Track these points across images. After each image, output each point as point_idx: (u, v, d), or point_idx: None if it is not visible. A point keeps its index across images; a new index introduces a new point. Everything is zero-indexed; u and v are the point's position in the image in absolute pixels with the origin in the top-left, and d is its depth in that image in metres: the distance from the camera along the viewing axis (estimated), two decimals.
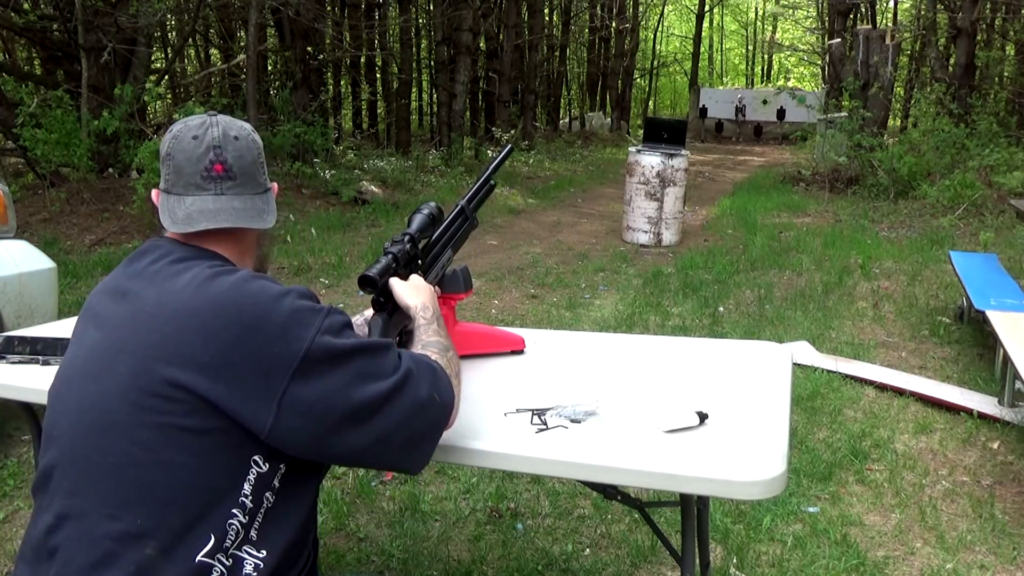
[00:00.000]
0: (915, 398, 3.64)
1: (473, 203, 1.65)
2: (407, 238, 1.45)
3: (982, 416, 3.38)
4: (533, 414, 1.39)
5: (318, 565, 1.29)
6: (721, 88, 33.39)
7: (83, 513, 1.06)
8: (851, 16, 18.27)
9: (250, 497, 1.08)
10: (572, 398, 1.44)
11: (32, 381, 1.59)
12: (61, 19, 8.91)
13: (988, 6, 14.84)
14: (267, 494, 1.10)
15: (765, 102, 24.74)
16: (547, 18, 21.77)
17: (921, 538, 2.53)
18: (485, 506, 2.69)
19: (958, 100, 11.67)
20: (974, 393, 3.65)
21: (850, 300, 5.47)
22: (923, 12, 17.28)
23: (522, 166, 13.98)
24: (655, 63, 32.07)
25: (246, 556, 1.08)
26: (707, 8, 31.40)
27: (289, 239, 7.21)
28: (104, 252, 6.48)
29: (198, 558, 1.04)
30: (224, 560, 1.06)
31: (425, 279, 1.46)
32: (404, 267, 1.43)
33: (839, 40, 14.36)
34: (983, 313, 3.79)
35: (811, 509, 2.67)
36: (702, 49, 34.96)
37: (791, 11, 32.81)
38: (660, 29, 35.26)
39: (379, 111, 17.14)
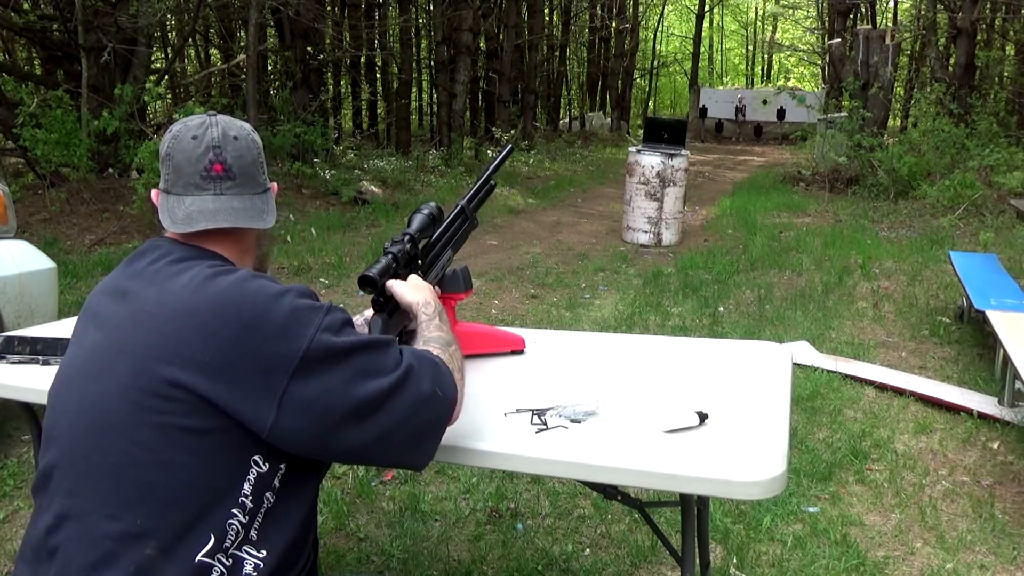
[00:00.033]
0: (915, 398, 3.64)
1: (473, 203, 1.65)
2: (407, 238, 1.45)
3: (982, 416, 3.38)
4: (533, 414, 1.39)
5: (318, 565, 1.29)
6: (721, 88, 33.39)
7: (83, 513, 1.06)
8: (851, 16, 18.27)
9: (250, 497, 1.08)
10: (572, 398, 1.44)
11: (32, 381, 1.59)
12: (61, 19, 8.91)
13: (988, 6, 14.84)
14: (267, 494, 1.10)
15: (765, 102, 24.74)
16: (547, 18, 21.77)
17: (921, 538, 2.53)
18: (485, 506, 2.69)
19: (958, 100, 11.67)
20: (974, 393, 3.65)
21: (850, 300, 5.47)
22: (923, 12, 17.28)
23: (522, 166, 13.98)
24: (655, 63, 32.07)
25: (246, 556, 1.08)
26: (707, 8, 31.40)
27: (289, 239, 7.21)
28: (104, 252, 6.48)
29: (198, 558, 1.04)
30: (224, 560, 1.06)
31: (425, 279, 1.46)
32: (404, 267, 1.43)
33: (839, 40, 14.36)
34: (983, 313, 3.79)
35: (811, 509, 2.67)
36: (702, 49, 34.96)
37: (791, 11, 32.82)
38: (660, 29, 35.27)
39: (379, 111, 17.14)
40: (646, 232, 7.75)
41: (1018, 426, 3.27)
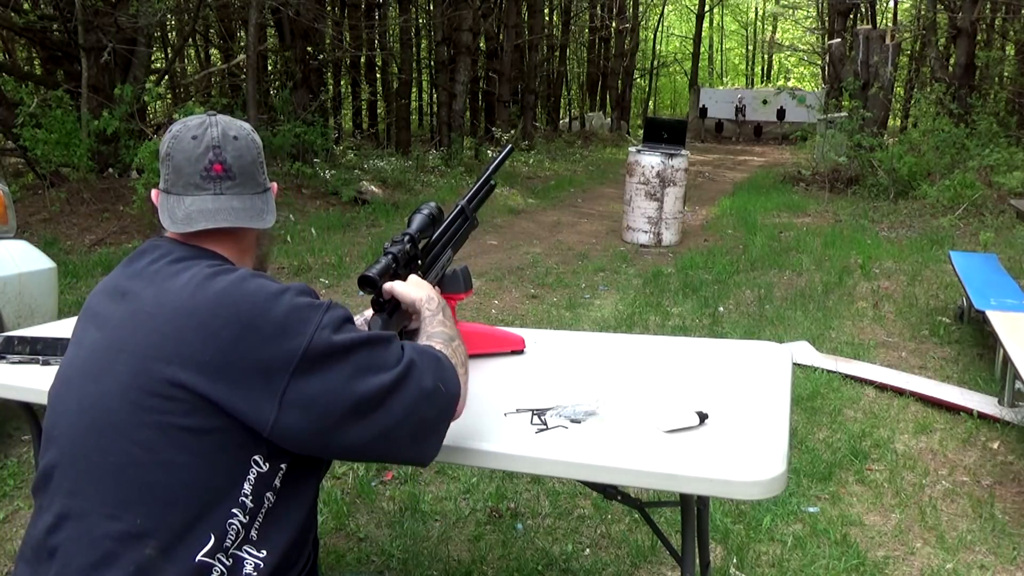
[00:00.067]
0: (915, 398, 3.64)
1: (473, 203, 1.64)
2: (407, 238, 1.45)
3: (982, 416, 3.38)
4: (533, 414, 1.39)
5: (318, 565, 1.29)
6: (721, 88, 33.39)
7: (83, 513, 1.06)
8: (851, 16, 18.27)
9: (250, 497, 1.08)
10: (572, 398, 1.44)
11: (32, 381, 1.59)
12: (61, 19, 8.91)
13: (988, 6, 14.84)
14: (268, 494, 1.10)
15: (765, 102, 24.74)
16: (547, 18, 21.77)
17: (921, 538, 2.53)
18: (485, 506, 2.69)
19: (958, 100, 11.67)
20: (974, 393, 3.65)
21: (850, 300, 5.47)
22: (923, 12, 17.28)
23: (522, 166, 13.98)
24: (655, 63, 32.07)
25: (246, 556, 1.08)
26: (707, 8, 31.40)
27: (289, 239, 7.22)
28: (104, 252, 6.48)
29: (198, 558, 1.04)
30: (224, 560, 1.06)
31: (425, 279, 1.46)
32: (404, 267, 1.43)
33: (839, 40, 14.36)
34: (983, 313, 3.79)
35: (811, 509, 2.67)
36: (702, 49, 34.96)
37: (791, 11, 32.82)
38: (660, 29, 35.27)
39: (379, 111, 17.14)
40: (646, 232, 7.75)
41: (1018, 426, 3.27)
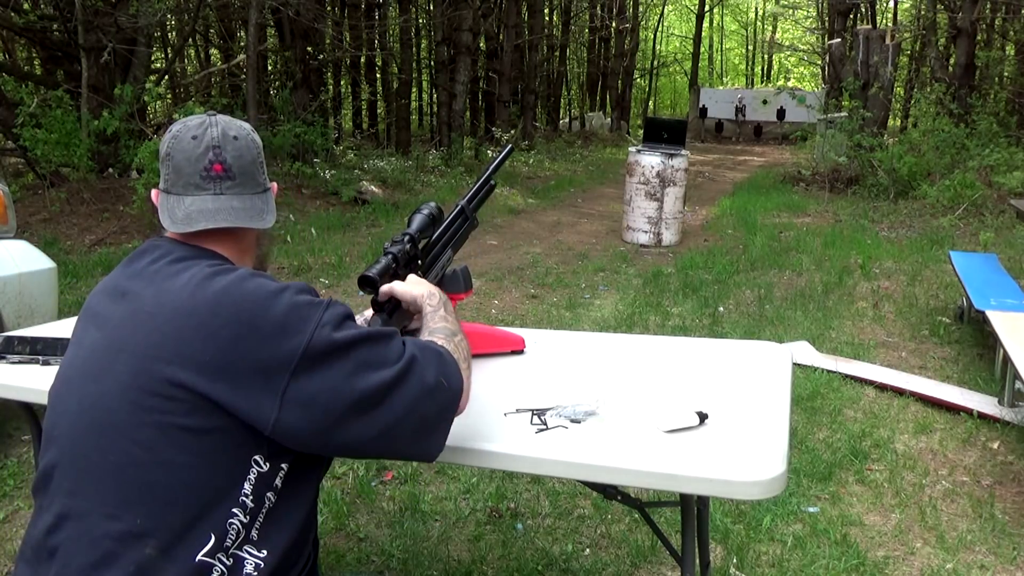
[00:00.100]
0: (915, 398, 3.64)
1: (473, 203, 1.64)
2: (407, 238, 1.45)
3: (982, 416, 3.38)
4: (533, 414, 1.39)
5: (318, 565, 1.29)
6: (721, 88, 33.39)
7: (83, 513, 1.06)
8: (851, 16, 18.27)
9: (251, 497, 1.08)
10: (572, 398, 1.44)
11: (32, 381, 1.59)
12: (61, 19, 8.91)
13: (988, 6, 14.84)
14: (268, 494, 1.10)
15: (765, 102, 24.74)
16: (547, 18, 21.77)
17: (921, 538, 2.53)
18: (485, 506, 2.69)
19: (958, 100, 11.67)
20: (974, 393, 3.65)
21: (850, 300, 5.47)
22: (923, 12, 17.29)
23: (522, 166, 13.98)
24: (655, 63, 32.07)
25: (247, 556, 1.08)
26: (707, 8, 31.40)
27: (289, 239, 7.22)
28: (104, 252, 6.48)
29: (198, 557, 1.04)
30: (224, 560, 1.06)
31: (425, 279, 1.46)
32: (404, 267, 1.43)
33: (839, 40, 14.36)
34: (983, 313, 3.79)
35: (811, 509, 2.67)
36: (702, 49, 34.96)
37: (791, 11, 32.82)
38: (660, 29, 35.26)
39: (379, 111, 17.14)
40: (646, 232, 7.75)
41: (1018, 426, 3.27)
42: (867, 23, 20.56)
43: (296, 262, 6.46)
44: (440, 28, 14.68)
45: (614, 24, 23.91)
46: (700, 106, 25.77)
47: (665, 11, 34.13)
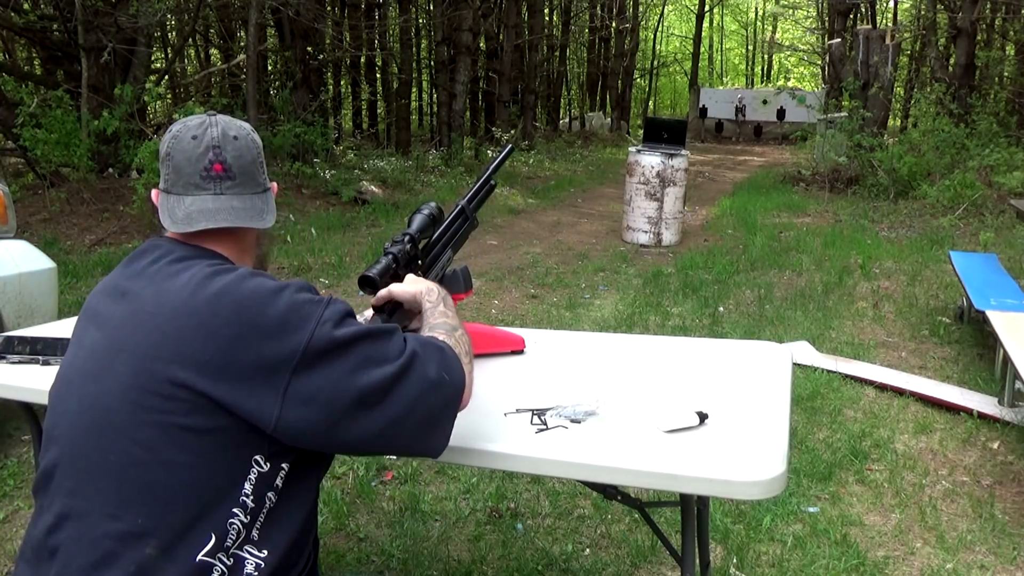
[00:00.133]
0: (915, 398, 3.64)
1: (473, 203, 1.64)
2: (407, 238, 1.45)
3: (982, 416, 3.38)
4: (533, 414, 1.39)
5: (318, 565, 1.29)
6: (721, 88, 33.39)
7: (84, 513, 1.06)
8: (851, 16, 18.27)
9: (251, 497, 1.08)
10: (572, 398, 1.44)
11: (32, 381, 1.59)
12: (61, 19, 8.91)
13: (988, 6, 14.84)
14: (269, 494, 1.10)
15: (765, 102, 24.75)
16: (547, 18, 21.77)
17: (921, 538, 2.53)
18: (485, 506, 2.69)
19: (958, 100, 11.67)
20: (974, 393, 3.65)
21: (850, 300, 5.47)
22: (923, 12, 17.29)
23: (522, 166, 13.98)
24: (655, 63, 32.07)
25: (247, 556, 1.08)
26: (707, 8, 31.40)
27: (289, 239, 7.22)
28: (104, 252, 6.48)
29: (199, 557, 1.04)
30: (225, 559, 1.06)
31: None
32: (404, 267, 1.43)
33: (839, 40, 14.36)
34: (983, 313, 3.79)
35: (811, 509, 2.67)
36: (702, 49, 34.96)
37: (791, 11, 32.82)
38: (660, 29, 35.26)
39: (379, 111, 17.15)
40: (646, 232, 7.75)
41: (1018, 426, 3.27)
42: (867, 23, 20.56)
43: (296, 262, 6.46)
44: (440, 28, 14.68)
45: (614, 24, 23.91)
46: (700, 106, 25.77)
47: (665, 11, 34.13)
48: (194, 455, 1.05)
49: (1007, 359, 3.29)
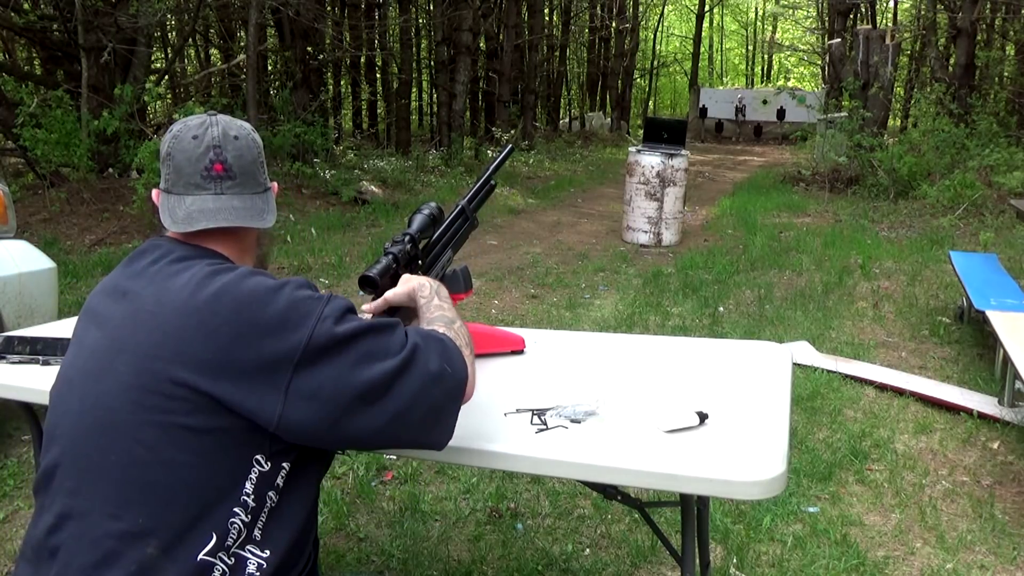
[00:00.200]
0: (915, 398, 3.64)
1: (473, 203, 1.64)
2: (407, 238, 1.45)
3: (982, 416, 3.38)
4: (533, 414, 1.39)
5: (318, 565, 1.29)
6: (721, 88, 33.39)
7: (85, 512, 1.06)
8: (851, 16, 18.28)
9: (252, 496, 1.08)
10: (572, 398, 1.44)
11: (32, 381, 1.59)
12: (61, 19, 8.91)
13: (988, 6, 14.85)
14: (270, 493, 1.10)
15: (765, 102, 24.75)
16: (547, 18, 21.77)
17: (921, 538, 2.53)
18: (485, 506, 2.69)
19: (958, 100, 11.67)
20: (974, 393, 3.65)
21: (850, 300, 5.47)
22: (923, 12, 17.29)
23: (522, 166, 13.98)
24: (655, 63, 32.06)
25: (249, 556, 1.08)
26: (707, 8, 31.39)
27: (289, 239, 7.22)
28: (104, 252, 6.48)
29: (200, 557, 1.04)
30: (226, 559, 1.06)
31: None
32: (404, 267, 1.43)
33: (839, 40, 14.36)
34: (983, 313, 3.79)
35: (811, 509, 2.67)
36: (702, 49, 34.96)
37: (791, 11, 32.83)
38: (660, 29, 35.26)
39: (379, 111, 17.15)
40: (646, 232, 7.75)
41: (1018, 426, 3.27)
42: (867, 23, 20.56)
43: (296, 262, 6.46)
44: (440, 28, 14.68)
45: (614, 24, 23.91)
46: (700, 106, 25.77)
47: (665, 11, 34.12)
48: (195, 455, 1.05)
49: (1007, 359, 3.29)
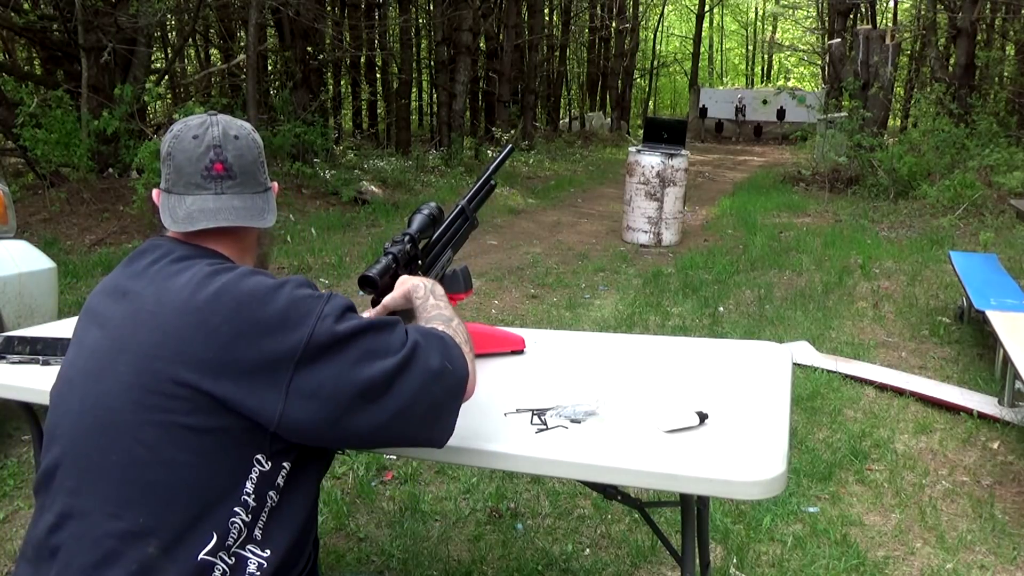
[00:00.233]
0: (915, 398, 3.64)
1: (473, 203, 1.65)
2: (407, 238, 1.45)
3: (982, 416, 3.38)
4: (533, 414, 1.39)
5: (318, 565, 1.29)
6: (721, 88, 33.39)
7: (85, 512, 1.06)
8: (851, 16, 18.27)
9: (253, 496, 1.08)
10: (572, 398, 1.44)
11: (32, 381, 1.59)
12: (61, 19, 8.91)
13: (988, 6, 14.84)
14: (271, 493, 1.10)
15: (765, 102, 24.74)
16: (547, 18, 21.77)
17: (921, 538, 2.53)
18: (485, 506, 2.69)
19: (958, 100, 11.67)
20: (974, 393, 3.65)
21: (850, 300, 5.47)
22: (923, 12, 17.29)
23: (522, 166, 13.98)
24: (655, 63, 32.06)
25: (250, 555, 1.08)
26: (707, 8, 31.40)
27: (289, 239, 7.22)
28: (104, 252, 6.48)
29: (200, 556, 1.04)
30: (226, 559, 1.06)
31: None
32: (404, 267, 1.43)
33: (839, 40, 14.36)
34: (983, 313, 3.79)
35: (811, 509, 2.67)
36: (702, 49, 34.97)
37: (791, 11, 32.82)
38: (660, 29, 35.26)
39: (379, 111, 17.15)
40: (646, 232, 7.75)
41: (1018, 426, 3.27)
42: (867, 23, 20.56)
43: (296, 262, 6.46)
44: (440, 28, 14.67)
45: (614, 24, 23.91)
46: (700, 106, 25.77)
47: (665, 11, 34.12)
48: (195, 454, 1.05)
49: (1007, 359, 3.29)
